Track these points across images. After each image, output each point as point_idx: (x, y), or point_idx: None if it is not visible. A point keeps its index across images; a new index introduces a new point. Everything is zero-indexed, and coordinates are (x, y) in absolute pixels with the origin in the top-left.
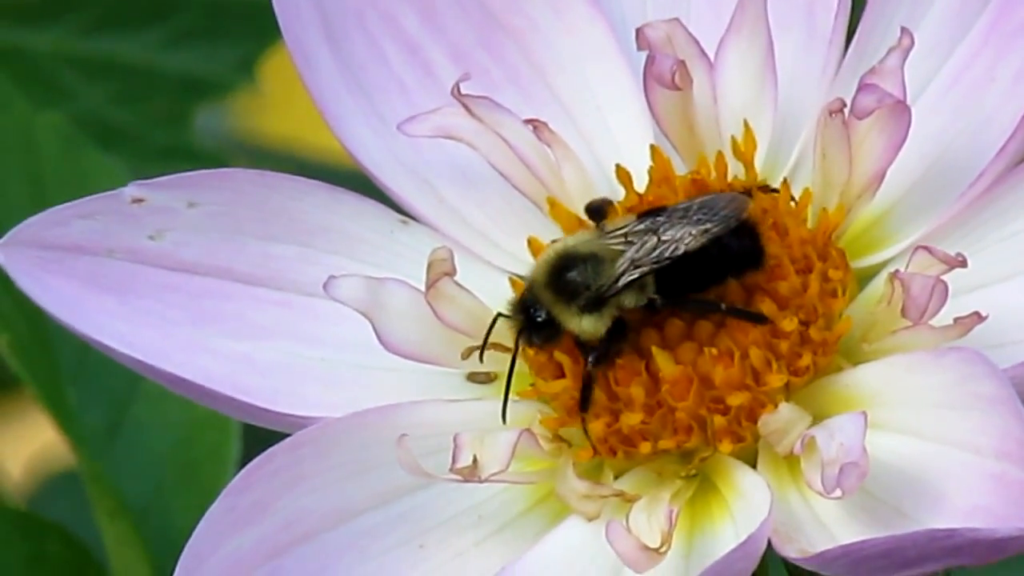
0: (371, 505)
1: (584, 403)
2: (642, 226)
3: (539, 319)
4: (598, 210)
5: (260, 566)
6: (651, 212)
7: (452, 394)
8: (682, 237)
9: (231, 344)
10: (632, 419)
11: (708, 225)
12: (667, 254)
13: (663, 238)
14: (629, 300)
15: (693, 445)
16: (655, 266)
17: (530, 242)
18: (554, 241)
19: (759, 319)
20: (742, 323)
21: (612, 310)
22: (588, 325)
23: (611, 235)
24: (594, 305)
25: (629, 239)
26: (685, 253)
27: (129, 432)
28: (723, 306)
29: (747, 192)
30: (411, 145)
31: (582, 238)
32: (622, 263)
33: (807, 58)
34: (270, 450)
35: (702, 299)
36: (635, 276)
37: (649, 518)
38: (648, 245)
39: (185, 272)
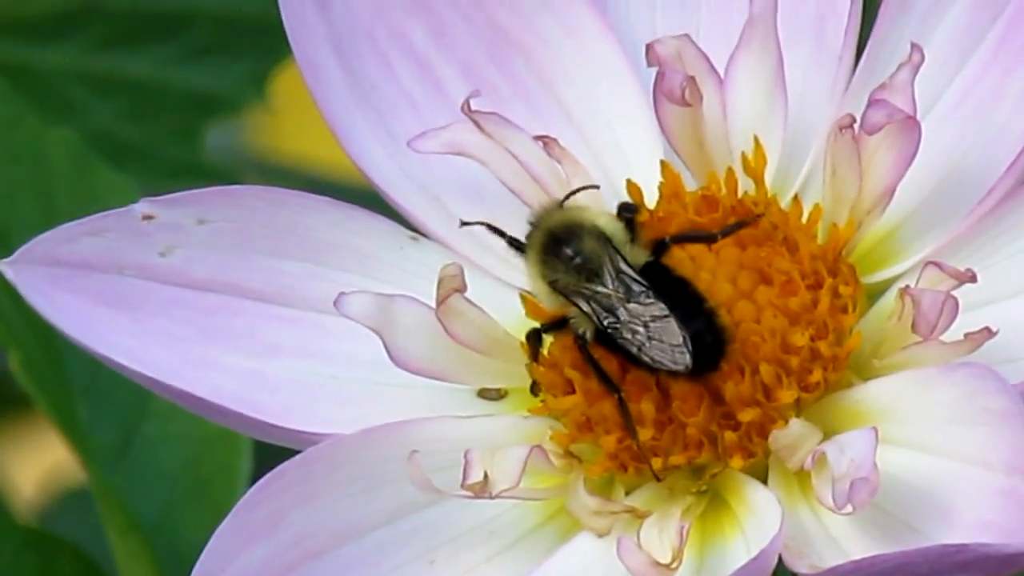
0: (382, 521)
1: (534, 355)
2: (630, 280)
3: (526, 232)
4: (630, 212)
5: None
6: (659, 268)
7: (462, 410)
8: (625, 329)
9: (241, 361)
10: (643, 435)
11: (645, 346)
12: (605, 325)
13: (619, 310)
14: (576, 317)
15: (704, 461)
16: (594, 320)
17: None
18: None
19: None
20: (752, 338)
21: (560, 301)
22: (534, 287)
23: (618, 258)
24: (548, 283)
25: (614, 279)
26: (613, 338)
27: (140, 449)
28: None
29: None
30: (421, 161)
31: (605, 234)
32: (584, 288)
33: (817, 74)
34: (280, 467)
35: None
36: (579, 306)
37: (660, 534)
38: (608, 302)
39: (195, 289)
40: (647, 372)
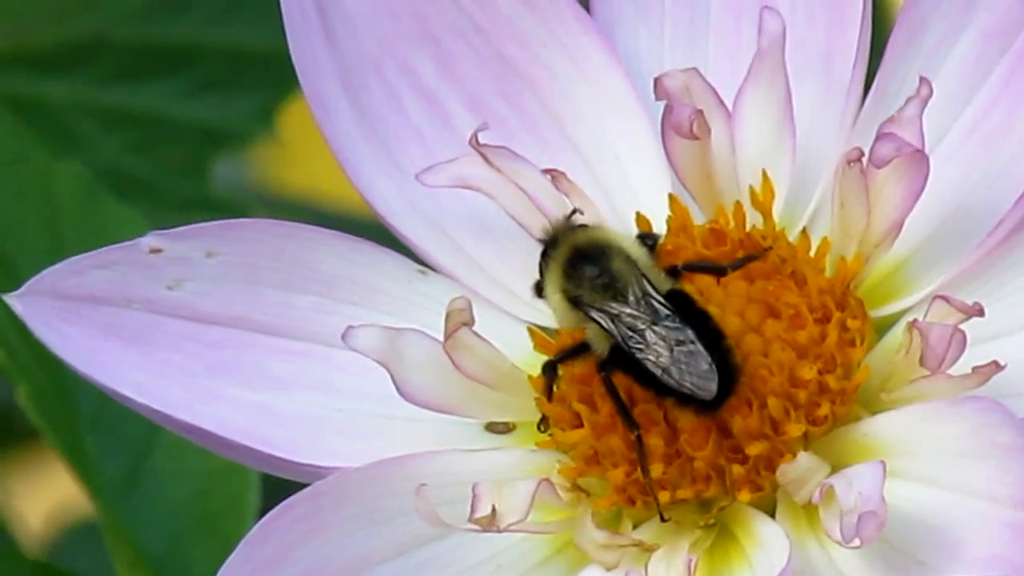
0: (390, 555)
1: (547, 394)
2: (656, 303)
3: (543, 248)
4: (652, 239)
5: None
6: (682, 297)
7: (470, 444)
8: (649, 351)
9: (249, 394)
10: (654, 471)
11: (671, 369)
12: (629, 344)
13: (646, 331)
14: (592, 336)
15: (712, 494)
16: (616, 339)
17: None
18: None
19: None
20: (760, 372)
21: (577, 318)
22: (552, 301)
23: (644, 280)
24: (569, 298)
25: (640, 301)
26: (635, 360)
27: (148, 482)
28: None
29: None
30: (429, 195)
31: (631, 257)
32: (609, 307)
33: (825, 107)
34: (288, 500)
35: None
36: (600, 324)
37: (668, 567)
38: (633, 323)
39: (203, 322)
40: (655, 403)
